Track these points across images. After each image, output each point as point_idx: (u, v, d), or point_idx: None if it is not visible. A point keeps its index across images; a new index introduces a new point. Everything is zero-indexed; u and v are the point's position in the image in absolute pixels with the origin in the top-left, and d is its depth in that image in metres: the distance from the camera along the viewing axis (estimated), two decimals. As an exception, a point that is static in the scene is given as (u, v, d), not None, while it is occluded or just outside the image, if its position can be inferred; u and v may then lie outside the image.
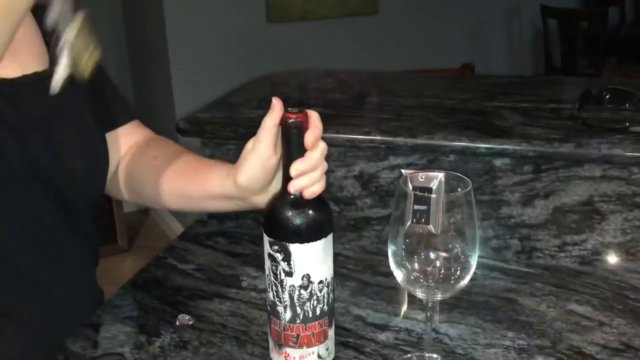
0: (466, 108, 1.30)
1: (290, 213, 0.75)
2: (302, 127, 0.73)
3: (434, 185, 0.83)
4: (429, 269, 0.79)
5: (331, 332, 0.82)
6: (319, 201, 0.77)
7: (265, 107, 0.76)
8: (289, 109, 0.74)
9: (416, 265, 0.79)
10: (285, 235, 0.75)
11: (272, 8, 3.13)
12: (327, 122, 0.76)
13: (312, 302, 0.78)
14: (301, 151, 0.74)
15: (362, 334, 0.94)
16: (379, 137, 1.13)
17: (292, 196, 0.76)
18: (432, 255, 0.78)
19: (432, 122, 1.18)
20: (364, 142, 1.14)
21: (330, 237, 0.77)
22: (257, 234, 1.27)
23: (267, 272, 0.79)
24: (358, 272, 1.10)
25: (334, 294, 0.81)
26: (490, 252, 1.15)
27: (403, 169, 1.13)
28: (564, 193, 1.09)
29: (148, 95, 3.38)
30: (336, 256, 0.82)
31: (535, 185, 1.09)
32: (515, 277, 1.09)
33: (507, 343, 0.92)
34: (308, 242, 0.75)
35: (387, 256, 0.77)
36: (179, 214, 3.10)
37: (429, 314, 0.81)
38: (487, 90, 1.45)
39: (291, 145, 0.74)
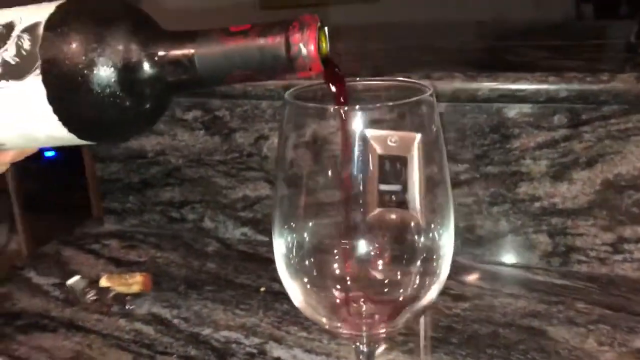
0: (465, 48, 0.90)
1: None
2: None
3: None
4: (363, 278, 0.40)
5: None
6: None
7: None
8: None
9: (336, 271, 0.40)
10: None
11: (265, -6, 2.79)
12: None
13: None
14: None
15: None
16: (327, 81, 0.74)
17: None
18: (365, 247, 0.39)
19: (408, 59, 0.79)
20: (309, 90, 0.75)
21: None
22: (166, 234, 0.91)
23: None
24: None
25: None
26: (502, 254, 0.74)
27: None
28: (618, 158, 0.68)
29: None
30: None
31: (573, 147, 0.69)
32: (544, 294, 0.68)
33: (529, 412, 0.51)
34: None
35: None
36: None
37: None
38: (495, 32, 1.05)
39: None
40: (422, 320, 0.65)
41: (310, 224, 0.39)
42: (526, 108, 0.69)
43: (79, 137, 0.33)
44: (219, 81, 0.32)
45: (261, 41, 0.30)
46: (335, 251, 0.40)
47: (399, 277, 0.39)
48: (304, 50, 0.30)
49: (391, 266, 0.40)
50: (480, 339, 0.61)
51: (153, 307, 0.69)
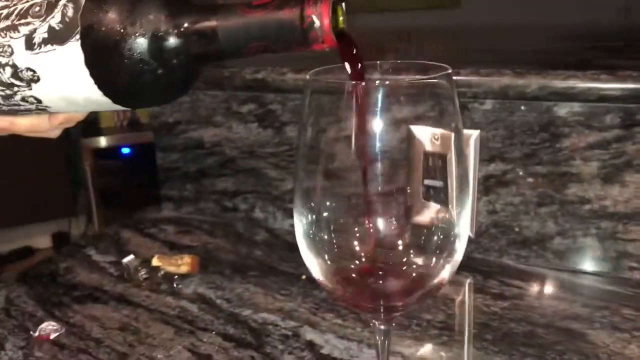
0: (527, 49, 0.89)
1: None
2: None
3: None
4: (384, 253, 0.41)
5: None
6: None
7: None
8: None
9: (356, 245, 0.41)
10: None
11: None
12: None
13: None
14: None
15: None
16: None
17: None
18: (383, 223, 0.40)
19: (457, 57, 0.79)
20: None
21: None
22: (219, 222, 0.94)
23: None
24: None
25: None
26: (550, 257, 0.73)
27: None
28: (675, 161, 0.65)
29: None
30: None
31: (625, 148, 0.67)
32: (588, 298, 0.67)
33: (556, 410, 0.50)
34: None
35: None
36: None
37: (380, 347, 0.42)
38: (564, 35, 1.03)
39: None
40: (466, 313, 0.65)
41: (329, 203, 0.40)
42: (577, 107, 0.68)
43: (113, 101, 0.36)
44: (238, 52, 0.34)
45: (278, 13, 0.32)
46: (357, 229, 0.41)
47: (416, 256, 0.40)
48: (317, 23, 0.32)
49: (409, 246, 0.40)
50: (515, 337, 0.60)
51: (199, 287, 0.72)
